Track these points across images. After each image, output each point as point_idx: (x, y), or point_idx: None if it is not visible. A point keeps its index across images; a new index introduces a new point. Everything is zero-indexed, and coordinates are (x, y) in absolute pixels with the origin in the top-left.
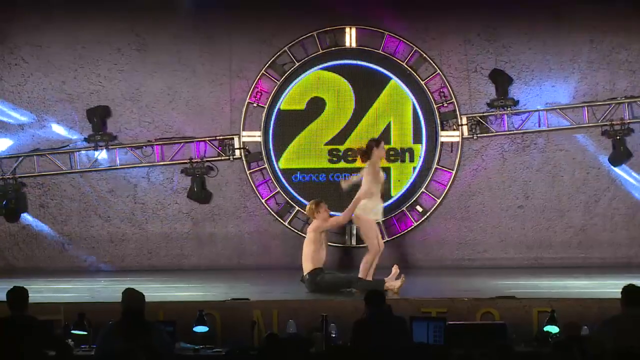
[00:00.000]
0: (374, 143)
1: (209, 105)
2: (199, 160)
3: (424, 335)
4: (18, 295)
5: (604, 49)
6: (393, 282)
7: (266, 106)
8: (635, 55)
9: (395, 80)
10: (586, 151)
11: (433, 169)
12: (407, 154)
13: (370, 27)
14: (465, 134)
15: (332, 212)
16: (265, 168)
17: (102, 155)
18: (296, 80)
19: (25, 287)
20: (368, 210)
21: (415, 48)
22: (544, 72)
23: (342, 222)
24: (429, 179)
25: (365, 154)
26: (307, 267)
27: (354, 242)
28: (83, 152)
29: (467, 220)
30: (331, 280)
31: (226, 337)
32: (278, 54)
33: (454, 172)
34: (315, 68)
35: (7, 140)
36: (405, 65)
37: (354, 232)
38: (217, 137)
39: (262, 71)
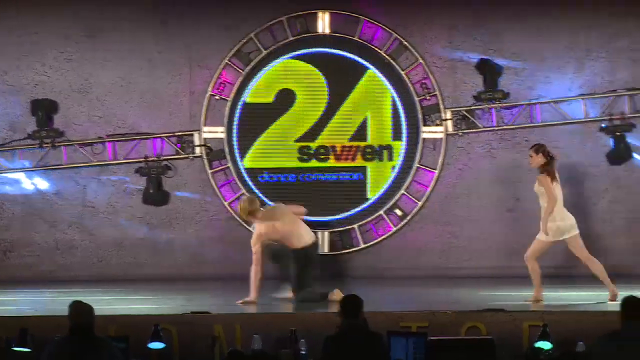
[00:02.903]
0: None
1: (167, 97)
2: (156, 158)
3: (403, 352)
4: None
5: (603, 35)
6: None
7: (230, 99)
8: (637, 42)
9: (372, 71)
10: (583, 148)
11: (414, 168)
12: (386, 152)
13: (346, 12)
14: (450, 129)
15: (305, 217)
16: (228, 167)
17: (47, 153)
18: (263, 71)
19: None
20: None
21: (395, 35)
22: (537, 62)
23: None
24: (409, 179)
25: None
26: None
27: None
28: (26, 149)
29: (451, 225)
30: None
31: (184, 354)
32: (243, 41)
33: (437, 172)
34: (284, 57)
35: None
36: (384, 54)
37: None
38: (176, 133)
39: (226, 60)
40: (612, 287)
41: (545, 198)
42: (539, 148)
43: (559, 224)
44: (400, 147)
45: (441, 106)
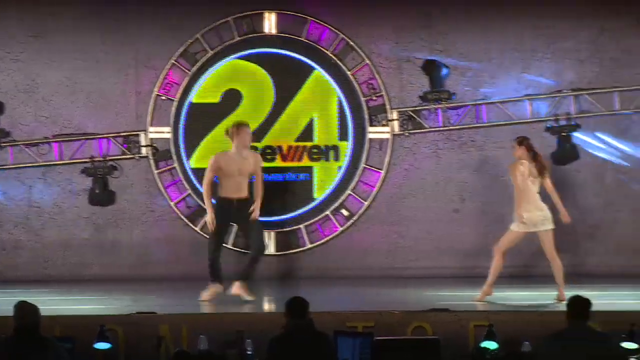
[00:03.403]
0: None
1: (113, 98)
2: (102, 159)
3: (350, 352)
4: None
5: (549, 36)
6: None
7: (176, 99)
8: (583, 43)
9: (319, 71)
10: None
11: (361, 168)
12: (332, 152)
13: (292, 12)
14: (396, 130)
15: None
16: (174, 168)
17: None
18: (210, 71)
19: None
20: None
21: (341, 35)
22: (483, 62)
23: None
24: (356, 179)
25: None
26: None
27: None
28: None
29: (397, 225)
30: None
31: (130, 354)
32: (190, 41)
33: (383, 172)
34: (231, 57)
35: None
36: (331, 54)
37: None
38: (122, 134)
39: (172, 60)
40: (562, 291)
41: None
42: (522, 140)
43: (533, 215)
44: (347, 147)
45: (387, 106)
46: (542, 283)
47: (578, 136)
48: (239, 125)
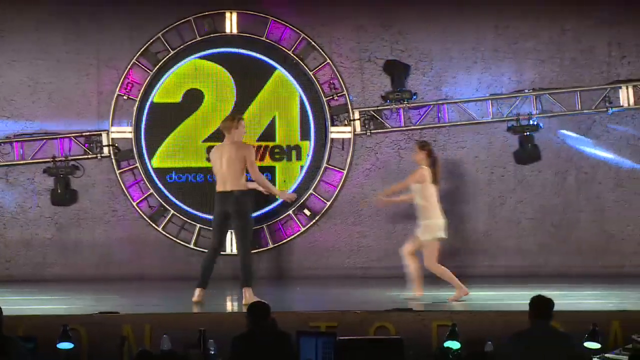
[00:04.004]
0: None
1: (75, 97)
2: (63, 158)
3: (313, 352)
4: None
5: (510, 36)
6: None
7: (138, 99)
8: (543, 43)
9: (280, 71)
10: (490, 149)
11: (322, 168)
12: (294, 152)
13: (253, 12)
14: (358, 129)
15: (212, 217)
16: (136, 167)
17: None
18: (171, 70)
19: None
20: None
21: (302, 35)
22: (444, 62)
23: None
24: (317, 179)
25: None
26: (235, 184)
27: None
28: None
29: (359, 225)
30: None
31: (93, 354)
32: (151, 40)
33: (345, 171)
34: (192, 57)
35: None
36: (292, 54)
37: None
38: (84, 133)
39: (134, 60)
40: (420, 288)
41: (420, 195)
42: (424, 145)
43: (436, 221)
44: (309, 147)
45: (349, 106)
46: (504, 283)
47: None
48: (240, 119)
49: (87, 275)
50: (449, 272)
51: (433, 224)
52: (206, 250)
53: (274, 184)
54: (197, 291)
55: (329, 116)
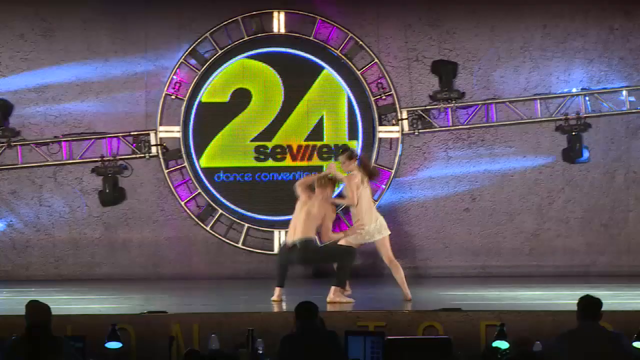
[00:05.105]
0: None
1: (123, 97)
2: (111, 158)
3: (360, 352)
4: None
5: (558, 35)
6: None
7: (186, 98)
8: (592, 42)
9: (328, 70)
10: (538, 148)
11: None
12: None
13: (301, 12)
14: (406, 129)
15: (262, 217)
16: (184, 167)
17: (3, 152)
18: (219, 70)
19: None
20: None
21: (350, 34)
22: (492, 61)
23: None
24: None
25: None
26: (302, 232)
27: None
28: None
29: (407, 225)
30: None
31: (141, 354)
32: (199, 40)
33: (393, 171)
34: (240, 56)
35: None
36: (339, 54)
37: None
38: (132, 133)
39: (182, 60)
40: (407, 291)
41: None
42: (351, 155)
43: (368, 227)
44: (356, 146)
45: (397, 106)
46: (551, 282)
47: None
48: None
49: (135, 274)
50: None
51: (371, 228)
52: (254, 250)
53: None
54: (277, 290)
55: (376, 115)
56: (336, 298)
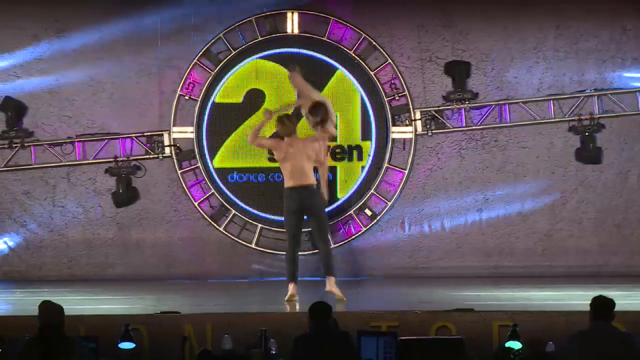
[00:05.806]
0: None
1: (136, 97)
2: (125, 158)
3: (373, 352)
4: None
5: (571, 36)
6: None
7: (199, 99)
8: (605, 43)
9: (341, 71)
10: (551, 149)
11: (384, 168)
12: (355, 152)
13: (314, 12)
14: (419, 129)
15: (275, 217)
16: (198, 167)
17: (16, 153)
18: (232, 71)
19: None
20: None
21: (363, 35)
22: (506, 62)
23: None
24: (379, 179)
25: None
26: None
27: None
28: None
29: (420, 225)
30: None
31: (154, 354)
32: (212, 41)
33: (406, 172)
34: (253, 57)
35: None
36: (353, 54)
37: None
38: (145, 133)
39: (195, 60)
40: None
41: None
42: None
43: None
44: (370, 147)
45: (410, 106)
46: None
47: None
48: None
49: (148, 275)
50: None
51: None
52: (267, 250)
53: (336, 184)
54: (291, 286)
55: (390, 116)
56: (335, 289)
